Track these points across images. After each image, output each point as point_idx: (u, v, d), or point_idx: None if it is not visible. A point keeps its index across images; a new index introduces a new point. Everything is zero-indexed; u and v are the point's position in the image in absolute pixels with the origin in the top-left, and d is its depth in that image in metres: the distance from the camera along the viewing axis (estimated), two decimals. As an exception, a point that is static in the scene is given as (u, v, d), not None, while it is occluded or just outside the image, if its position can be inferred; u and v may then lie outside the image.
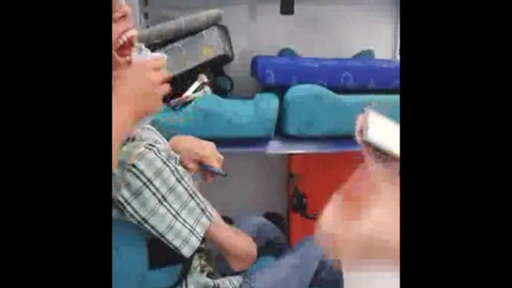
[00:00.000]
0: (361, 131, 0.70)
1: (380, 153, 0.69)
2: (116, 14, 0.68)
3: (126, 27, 0.70)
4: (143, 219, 0.69)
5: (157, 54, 0.75)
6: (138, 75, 0.68)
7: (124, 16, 0.69)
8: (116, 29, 0.68)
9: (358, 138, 0.70)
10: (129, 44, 0.70)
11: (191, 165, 0.86)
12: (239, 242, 0.80)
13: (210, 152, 0.87)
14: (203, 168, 0.87)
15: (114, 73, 0.67)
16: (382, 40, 1.44)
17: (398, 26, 1.43)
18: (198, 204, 0.74)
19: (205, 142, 0.89)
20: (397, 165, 0.62)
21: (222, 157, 0.89)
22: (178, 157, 0.77)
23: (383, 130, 0.74)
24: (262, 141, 1.15)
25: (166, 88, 0.70)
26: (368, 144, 0.69)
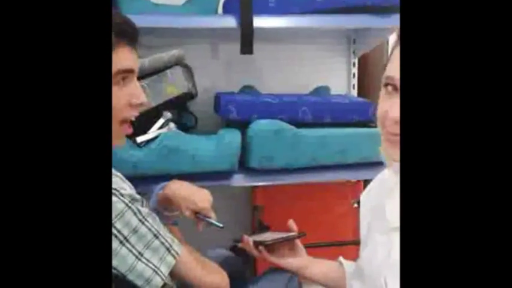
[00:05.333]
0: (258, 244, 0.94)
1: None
2: (135, 100, 0.78)
3: (136, 113, 0.81)
4: None
5: None
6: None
7: (140, 104, 0.80)
8: (130, 112, 0.79)
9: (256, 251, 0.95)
10: (128, 124, 0.81)
11: (188, 213, 0.89)
12: (209, 277, 0.82)
13: (208, 204, 0.89)
14: (198, 217, 0.89)
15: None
16: (336, 77, 1.53)
17: (352, 63, 1.53)
18: (162, 243, 0.76)
19: (202, 191, 0.91)
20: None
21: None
22: (144, 200, 0.78)
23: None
24: (226, 174, 1.18)
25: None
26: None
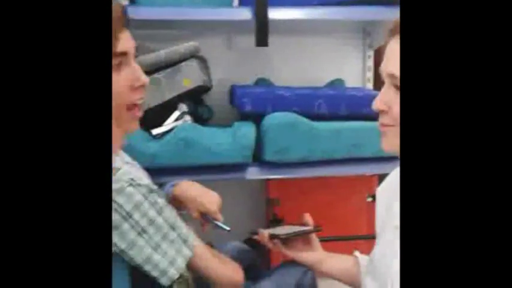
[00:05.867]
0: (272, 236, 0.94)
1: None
2: (136, 83, 0.76)
3: (141, 96, 0.78)
4: (122, 251, 0.71)
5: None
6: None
7: (142, 86, 0.77)
8: (134, 95, 0.76)
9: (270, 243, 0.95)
10: (137, 108, 0.79)
11: (195, 214, 0.90)
12: (224, 271, 0.82)
13: (217, 206, 0.90)
14: (206, 219, 0.90)
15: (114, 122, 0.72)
16: (352, 70, 1.51)
17: (367, 56, 1.51)
18: (179, 235, 0.76)
19: (211, 193, 0.91)
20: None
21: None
22: (161, 191, 0.79)
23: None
24: (240, 167, 1.19)
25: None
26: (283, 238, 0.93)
